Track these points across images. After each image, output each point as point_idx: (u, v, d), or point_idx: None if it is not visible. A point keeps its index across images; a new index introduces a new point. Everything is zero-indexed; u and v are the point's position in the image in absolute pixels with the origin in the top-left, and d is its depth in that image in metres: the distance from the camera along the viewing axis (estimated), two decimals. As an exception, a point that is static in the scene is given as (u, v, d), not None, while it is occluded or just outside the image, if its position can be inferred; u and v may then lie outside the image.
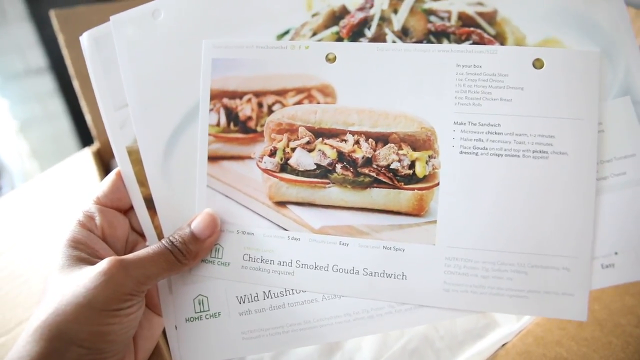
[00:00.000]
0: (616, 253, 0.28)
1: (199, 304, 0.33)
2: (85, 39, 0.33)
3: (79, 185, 0.53)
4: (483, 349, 0.36)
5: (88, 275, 0.28)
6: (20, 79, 1.26)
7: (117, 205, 0.33)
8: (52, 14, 0.56)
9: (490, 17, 0.30)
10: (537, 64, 0.29)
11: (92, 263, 0.29)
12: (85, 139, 1.42)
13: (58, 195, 0.53)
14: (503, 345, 0.36)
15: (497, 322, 0.38)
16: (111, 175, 0.34)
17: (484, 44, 0.30)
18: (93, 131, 0.63)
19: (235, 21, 0.32)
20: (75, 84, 0.59)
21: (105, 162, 0.63)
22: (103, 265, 0.28)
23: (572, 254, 0.29)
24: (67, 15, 0.56)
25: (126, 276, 0.28)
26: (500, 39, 0.30)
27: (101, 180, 0.52)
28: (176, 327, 0.33)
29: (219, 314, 0.32)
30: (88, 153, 0.60)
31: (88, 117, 0.61)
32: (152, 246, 0.30)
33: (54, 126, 1.35)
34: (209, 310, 0.33)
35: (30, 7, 1.20)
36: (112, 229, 0.33)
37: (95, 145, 0.64)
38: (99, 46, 0.33)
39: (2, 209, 0.53)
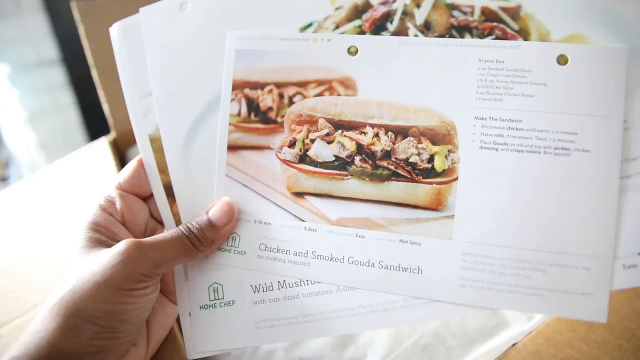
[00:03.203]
0: (639, 253, 0.28)
1: (214, 291, 0.33)
2: (115, 29, 0.34)
3: (96, 174, 0.55)
4: (494, 347, 0.35)
5: (106, 256, 0.28)
6: (31, 70, 1.29)
7: (137, 191, 0.34)
8: (74, 5, 0.58)
9: (514, 12, 0.30)
10: (561, 60, 0.29)
11: (111, 245, 0.30)
12: (94, 132, 1.43)
13: (76, 183, 0.54)
14: (513, 344, 0.35)
15: (508, 321, 0.37)
16: (133, 162, 0.34)
17: (507, 39, 0.30)
18: (110, 121, 0.64)
19: (260, 14, 0.33)
20: (94, 74, 0.60)
21: (121, 152, 0.64)
22: (121, 245, 0.28)
23: (593, 253, 0.28)
24: (88, 6, 0.58)
25: (143, 257, 0.29)
26: (524, 34, 0.30)
27: (117, 170, 0.54)
28: (190, 314, 0.33)
29: (233, 303, 0.33)
30: (105, 142, 0.61)
31: (105, 107, 0.62)
32: (169, 231, 0.31)
33: (63, 118, 1.37)
34: (223, 299, 0.33)
35: None
36: (132, 214, 0.33)
37: (112, 134, 0.65)
38: (127, 36, 0.34)
39: (19, 194, 0.54)
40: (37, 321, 0.27)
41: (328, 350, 0.37)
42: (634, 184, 0.28)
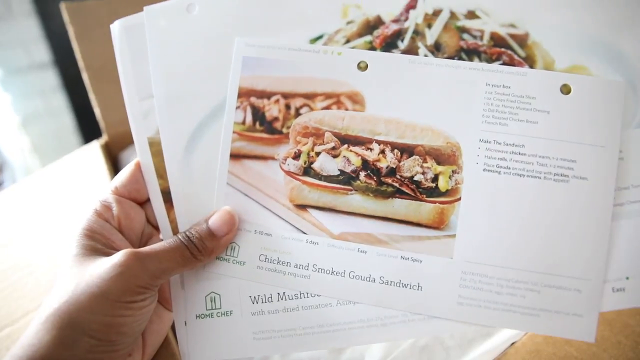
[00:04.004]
0: (627, 278, 0.29)
1: (211, 301, 0.33)
2: (116, 27, 0.33)
3: (87, 178, 0.53)
4: (493, 347, 0.36)
5: (103, 266, 0.27)
6: (24, 73, 1.26)
7: (134, 196, 0.33)
8: (63, 7, 0.56)
9: (522, 40, 0.31)
10: (565, 89, 0.30)
11: (107, 254, 0.29)
12: (87, 135, 1.41)
13: (66, 187, 0.52)
14: (512, 343, 0.36)
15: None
16: (130, 166, 0.33)
17: (514, 65, 0.31)
18: (101, 124, 0.62)
19: (270, 22, 0.32)
20: (85, 77, 0.58)
21: (113, 156, 0.62)
22: (119, 257, 0.28)
23: (585, 276, 0.30)
24: (77, 8, 0.56)
25: (142, 269, 0.28)
26: (530, 61, 0.31)
27: (109, 173, 0.52)
28: (186, 323, 0.33)
29: (230, 313, 0.32)
30: (96, 146, 0.59)
31: (97, 111, 0.61)
32: (168, 240, 0.30)
33: (56, 122, 1.35)
34: (220, 308, 0.32)
35: (36, 2, 1.20)
36: (129, 220, 0.32)
37: (104, 138, 0.63)
38: (129, 35, 0.33)
39: (11, 199, 0.52)
40: (31, 333, 0.26)
41: (325, 353, 0.37)
42: (626, 211, 0.30)
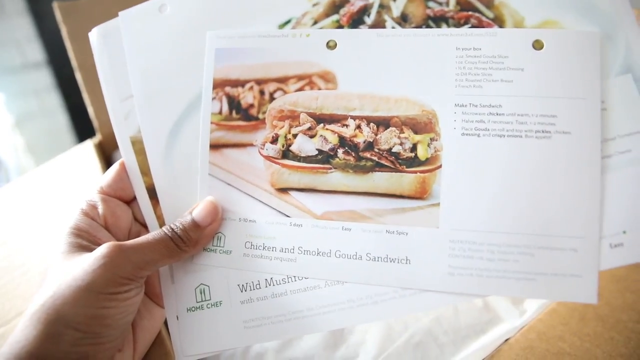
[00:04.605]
0: (624, 232, 0.28)
1: (201, 293, 0.32)
2: (94, 34, 0.34)
3: (81, 177, 0.54)
4: (486, 343, 0.35)
5: (87, 260, 0.28)
6: (18, 73, 1.27)
7: (120, 195, 0.34)
8: (55, 6, 0.57)
9: (488, 1, 0.31)
10: (537, 45, 0.29)
11: (93, 250, 0.29)
12: (81, 135, 1.41)
13: (60, 187, 0.53)
14: (506, 340, 0.35)
15: (501, 317, 0.37)
16: (115, 166, 0.34)
17: (483, 27, 0.30)
18: (95, 123, 0.63)
19: (239, 13, 0.33)
20: (78, 77, 0.59)
21: (107, 155, 0.63)
22: (102, 249, 0.28)
23: (580, 234, 0.28)
24: (70, 8, 0.57)
25: (125, 260, 0.28)
26: (499, 22, 0.30)
27: (103, 172, 0.53)
28: (177, 317, 0.32)
29: (220, 303, 0.32)
30: (90, 145, 0.60)
31: (90, 110, 0.61)
32: (152, 232, 0.30)
33: (50, 121, 1.35)
34: (210, 300, 0.32)
35: (29, 1, 1.21)
36: (115, 218, 0.33)
37: (97, 137, 0.64)
38: (107, 41, 0.34)
39: (4, 199, 0.53)
40: (18, 330, 0.26)
41: (319, 350, 0.36)
42: (614, 163, 0.28)
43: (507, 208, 0.29)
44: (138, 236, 0.34)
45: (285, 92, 0.32)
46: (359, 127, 0.31)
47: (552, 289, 0.28)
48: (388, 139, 0.31)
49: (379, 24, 0.32)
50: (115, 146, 0.63)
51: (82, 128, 1.41)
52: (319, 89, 0.32)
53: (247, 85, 0.33)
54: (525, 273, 0.28)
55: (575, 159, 0.28)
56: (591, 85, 0.29)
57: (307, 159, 0.32)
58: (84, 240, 0.30)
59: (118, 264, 0.28)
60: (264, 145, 0.33)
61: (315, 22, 0.32)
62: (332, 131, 0.32)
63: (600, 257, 0.28)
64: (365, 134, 0.31)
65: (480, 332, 0.37)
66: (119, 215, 0.33)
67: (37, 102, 1.33)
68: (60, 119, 1.38)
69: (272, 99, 0.33)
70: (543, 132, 0.29)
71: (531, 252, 0.28)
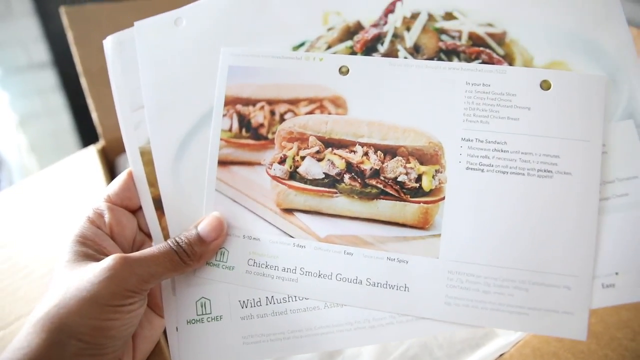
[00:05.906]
0: (617, 273, 0.29)
1: (202, 306, 0.33)
2: (109, 42, 0.34)
3: (83, 182, 0.54)
4: (481, 358, 0.36)
5: (93, 271, 0.28)
6: (23, 72, 1.26)
7: (126, 204, 0.34)
8: (62, 11, 0.57)
9: (500, 38, 0.31)
10: (545, 85, 0.30)
11: (98, 259, 0.30)
12: (85, 136, 1.40)
13: (62, 192, 0.53)
14: (501, 355, 0.36)
15: (496, 332, 0.38)
16: (123, 175, 0.34)
17: (493, 63, 0.31)
18: (99, 129, 0.63)
19: (254, 32, 0.33)
20: (83, 82, 0.59)
21: (109, 160, 0.63)
22: (108, 261, 0.28)
23: (574, 272, 0.29)
24: (77, 12, 0.57)
25: (130, 273, 0.28)
26: (509, 59, 0.31)
27: (106, 178, 0.53)
28: (177, 329, 0.33)
29: (220, 318, 0.33)
30: (93, 151, 0.60)
31: (94, 115, 0.61)
32: (157, 245, 0.31)
33: (54, 122, 1.34)
34: (210, 313, 0.33)
35: (36, 2, 1.20)
36: (120, 227, 0.33)
37: (101, 143, 0.64)
38: (120, 49, 0.34)
39: (7, 202, 0.54)
40: (21, 337, 0.27)
41: (315, 365, 0.37)
42: (612, 206, 0.29)
43: (506, 243, 0.30)
44: (142, 245, 0.35)
45: (295, 114, 0.33)
46: (366, 154, 0.32)
47: (543, 324, 0.29)
48: (394, 168, 0.31)
49: (391, 53, 0.32)
50: (118, 152, 0.63)
51: (86, 129, 1.40)
52: (330, 113, 0.32)
53: (258, 105, 0.33)
54: (519, 307, 0.29)
55: (575, 199, 0.29)
56: (594, 128, 0.30)
57: (314, 181, 0.32)
58: (89, 249, 0.31)
59: (124, 277, 0.28)
60: (271, 165, 0.33)
61: (329, 47, 0.33)
62: (340, 156, 0.32)
63: (592, 296, 0.29)
64: (372, 162, 0.32)
65: (476, 346, 0.38)
66: (124, 224, 0.33)
67: (41, 102, 1.32)
68: (64, 119, 1.37)
69: (282, 119, 0.33)
70: (545, 171, 0.30)
71: (526, 287, 0.29)
